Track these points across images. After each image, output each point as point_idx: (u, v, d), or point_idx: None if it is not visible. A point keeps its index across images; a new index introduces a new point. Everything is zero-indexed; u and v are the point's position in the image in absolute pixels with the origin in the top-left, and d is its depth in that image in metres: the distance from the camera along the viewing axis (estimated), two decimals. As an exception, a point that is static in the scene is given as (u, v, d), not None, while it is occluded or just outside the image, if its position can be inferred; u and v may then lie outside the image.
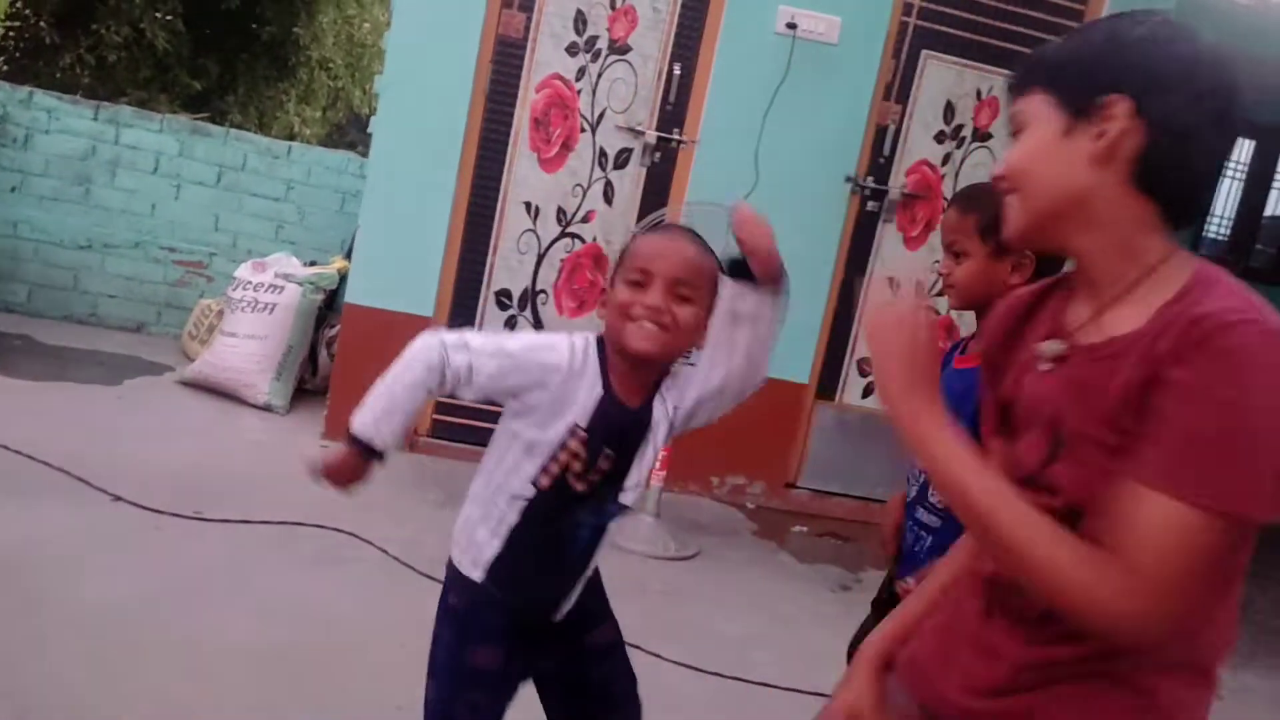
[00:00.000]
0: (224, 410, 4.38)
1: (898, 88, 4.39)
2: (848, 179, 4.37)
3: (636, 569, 3.43)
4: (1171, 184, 1.08)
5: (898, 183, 4.45)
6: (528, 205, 4.22)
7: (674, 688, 2.68)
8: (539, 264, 4.27)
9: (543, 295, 4.30)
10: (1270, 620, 4.37)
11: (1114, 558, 0.97)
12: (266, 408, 4.45)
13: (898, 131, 4.42)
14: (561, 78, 4.16)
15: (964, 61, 4.41)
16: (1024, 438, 1.15)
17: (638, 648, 2.81)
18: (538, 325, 4.30)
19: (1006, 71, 4.37)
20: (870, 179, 4.42)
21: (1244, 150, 6.50)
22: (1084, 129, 1.08)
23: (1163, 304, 1.05)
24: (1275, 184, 6.57)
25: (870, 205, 4.46)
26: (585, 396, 1.53)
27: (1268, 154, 6.51)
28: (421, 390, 1.53)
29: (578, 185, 4.23)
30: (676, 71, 4.19)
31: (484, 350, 1.52)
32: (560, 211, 4.25)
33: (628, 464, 1.58)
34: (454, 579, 1.62)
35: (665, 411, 1.61)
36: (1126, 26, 1.09)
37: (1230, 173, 6.52)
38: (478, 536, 1.58)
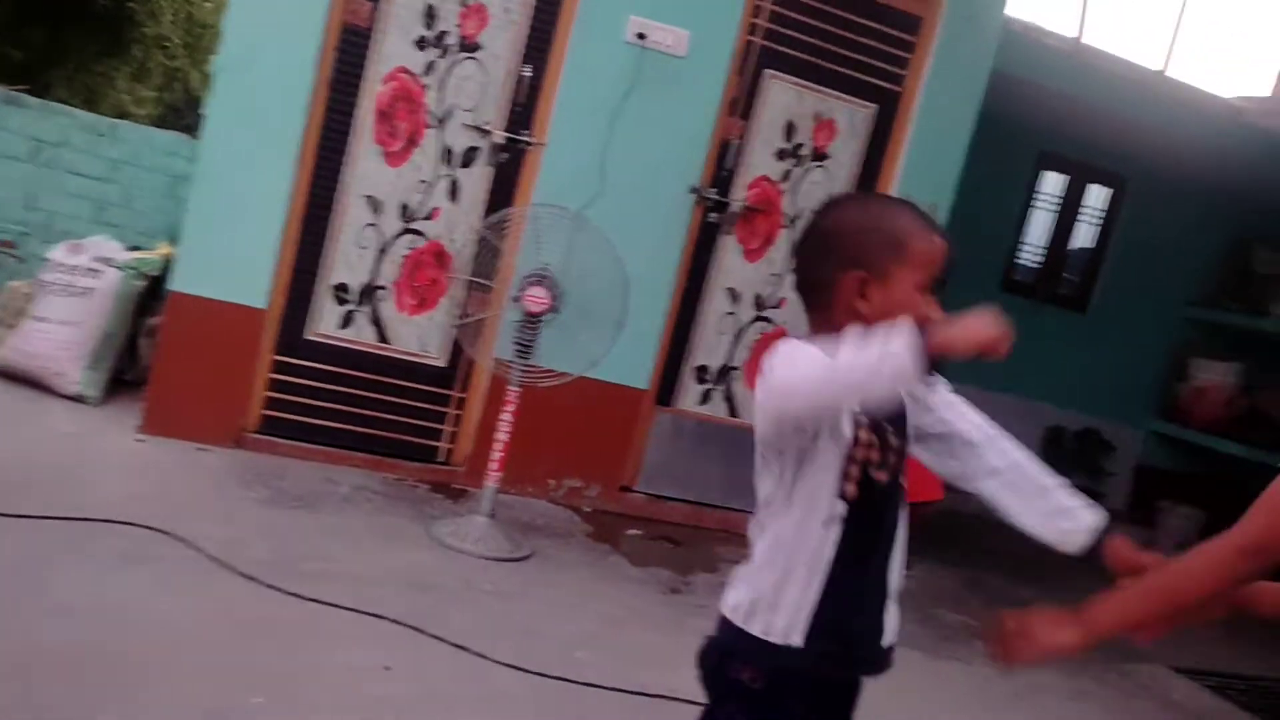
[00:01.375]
0: (31, 400, 4.11)
1: (742, 104, 4.52)
2: (691, 189, 4.47)
3: (466, 568, 3.40)
4: None
5: (739, 196, 4.58)
6: (370, 199, 4.13)
7: (501, 689, 2.68)
8: (380, 259, 4.19)
9: (382, 291, 4.22)
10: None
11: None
12: (78, 398, 4.19)
13: (740, 146, 4.55)
14: (409, 71, 4.09)
15: (804, 83, 4.58)
16: None
17: (463, 649, 2.81)
18: (376, 321, 4.22)
19: (844, 96, 4.57)
20: (713, 191, 4.53)
21: (1053, 183, 6.98)
22: None
23: None
24: (1080, 217, 7.08)
25: (712, 217, 4.57)
26: None
27: (1076, 188, 7.02)
28: None
29: (423, 182, 4.18)
30: (527, 73, 4.19)
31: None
32: (404, 207, 4.18)
33: (905, 440, 1.49)
34: (750, 651, 1.42)
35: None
36: None
37: (1042, 205, 6.99)
38: (788, 597, 1.41)
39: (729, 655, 1.46)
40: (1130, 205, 7.03)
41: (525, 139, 4.23)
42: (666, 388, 4.64)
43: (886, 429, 1.44)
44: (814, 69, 4.58)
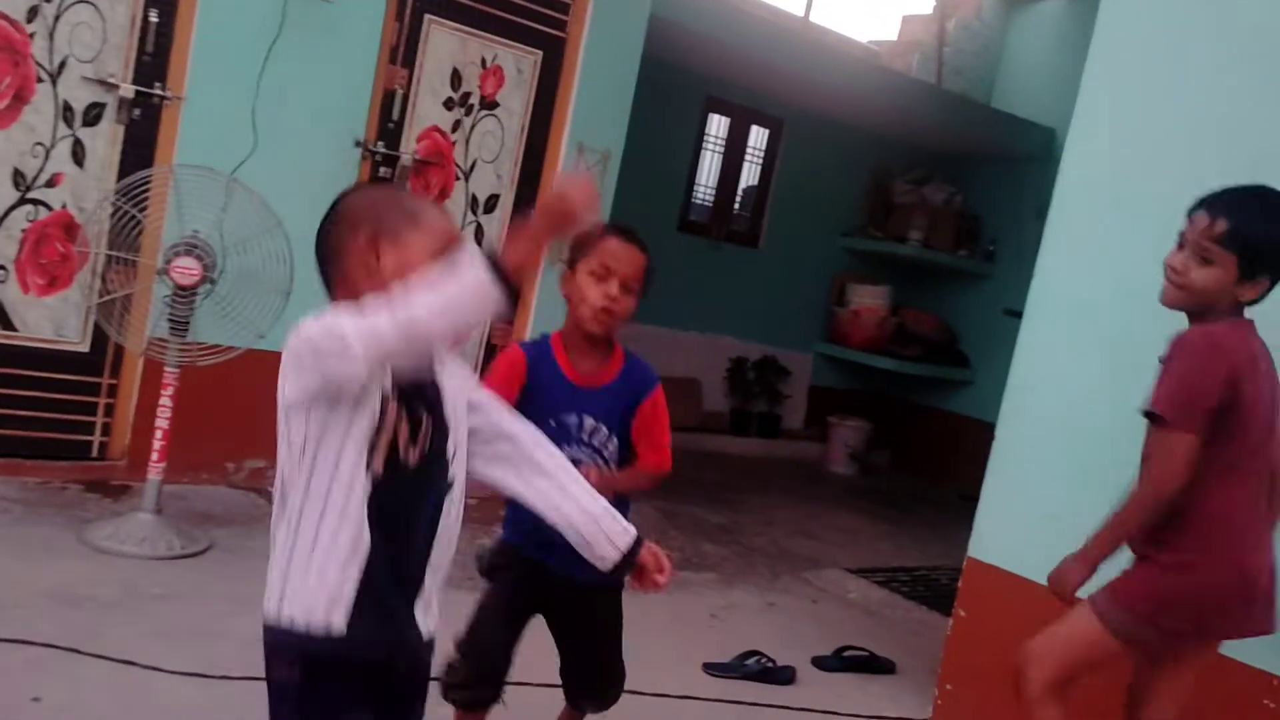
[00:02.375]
0: None
1: (403, 51, 4.32)
2: (357, 143, 4.23)
3: (128, 574, 3.07)
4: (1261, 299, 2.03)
5: (409, 149, 4.39)
6: (-28, 166, 3.56)
7: (180, 701, 2.44)
8: (-8, 235, 3.64)
9: (1, 272, 3.67)
10: (752, 539, 5.02)
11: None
12: None
13: (406, 96, 4.36)
14: (7, 18, 3.54)
15: (467, 29, 4.45)
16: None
17: (130, 663, 2.54)
18: (-4, 307, 3.68)
19: (508, 42, 4.45)
20: (381, 144, 4.32)
21: (719, 125, 7.32)
22: (1243, 284, 1.97)
23: None
24: (747, 158, 7.49)
25: (383, 171, 4.36)
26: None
27: (740, 130, 7.41)
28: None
29: (38, 144, 3.65)
30: (153, 18, 3.75)
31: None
32: (18, 174, 3.64)
33: (443, 426, 1.45)
34: (286, 644, 1.36)
35: (448, 378, 1.49)
36: None
37: (711, 147, 7.31)
38: (328, 577, 1.34)
39: (270, 654, 1.40)
40: (788, 145, 7.51)
41: (159, 93, 3.81)
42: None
43: (419, 408, 1.41)
44: (476, 14, 4.46)
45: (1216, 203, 1.99)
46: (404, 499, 1.40)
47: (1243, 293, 1.98)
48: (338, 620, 1.35)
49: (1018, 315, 3.05)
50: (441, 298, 1.26)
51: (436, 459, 1.44)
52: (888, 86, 6.77)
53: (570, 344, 2.11)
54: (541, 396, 2.05)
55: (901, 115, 6.98)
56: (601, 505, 1.58)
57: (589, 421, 2.09)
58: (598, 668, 2.29)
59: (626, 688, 2.90)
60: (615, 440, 2.12)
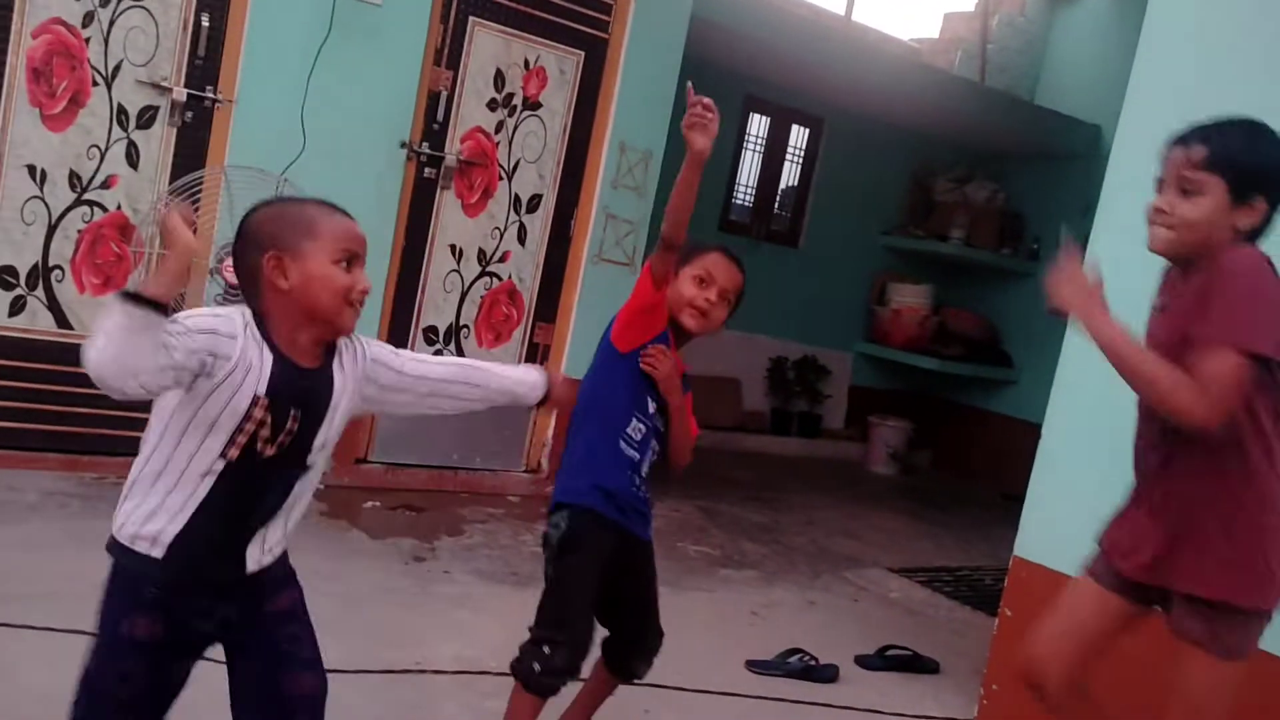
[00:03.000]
0: None
1: (448, 54, 4.37)
2: (402, 144, 4.29)
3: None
4: (1264, 229, 1.85)
5: (453, 149, 4.44)
6: (32, 169, 3.66)
7: (223, 689, 2.49)
8: (50, 236, 3.73)
9: (58, 272, 3.77)
10: (793, 539, 5.02)
11: (1193, 380, 1.75)
12: None
13: (450, 98, 4.40)
14: (64, 23, 3.63)
15: (510, 30, 4.49)
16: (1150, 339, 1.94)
17: (186, 654, 2.58)
18: (53, 306, 3.77)
19: (551, 43, 4.49)
20: (425, 145, 4.37)
21: (760, 125, 7.31)
22: (1238, 209, 1.81)
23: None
24: (787, 157, 7.47)
25: (428, 172, 4.41)
26: (259, 364, 1.56)
27: (780, 130, 7.39)
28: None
29: (93, 147, 3.74)
30: (205, 23, 3.83)
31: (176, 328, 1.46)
32: (74, 176, 3.73)
33: (315, 425, 1.63)
34: (119, 552, 1.61)
35: (346, 379, 1.69)
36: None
37: (751, 146, 7.30)
38: (157, 521, 1.57)
39: (109, 551, 1.64)
40: (828, 144, 7.49)
41: (210, 96, 3.88)
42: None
43: (288, 409, 1.59)
44: (519, 16, 4.50)
45: (1191, 134, 1.85)
46: (249, 481, 1.60)
47: (1239, 219, 1.81)
48: (155, 553, 1.58)
49: (1064, 314, 3.03)
50: (99, 339, 1.39)
51: (295, 451, 1.63)
52: (929, 84, 6.73)
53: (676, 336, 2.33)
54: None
55: (943, 113, 6.93)
56: (507, 375, 1.96)
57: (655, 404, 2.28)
58: (653, 624, 2.38)
59: (670, 683, 2.94)
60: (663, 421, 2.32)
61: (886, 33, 7.68)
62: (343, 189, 3.92)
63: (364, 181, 4.16)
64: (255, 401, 1.55)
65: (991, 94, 7.19)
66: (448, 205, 4.49)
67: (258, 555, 1.66)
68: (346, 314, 1.61)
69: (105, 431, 3.89)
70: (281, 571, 1.75)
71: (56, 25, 3.63)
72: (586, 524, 2.18)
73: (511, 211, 4.66)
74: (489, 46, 4.46)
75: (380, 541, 3.79)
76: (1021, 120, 7.22)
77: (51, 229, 3.73)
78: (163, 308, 1.37)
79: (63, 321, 3.79)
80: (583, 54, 4.69)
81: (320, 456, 1.67)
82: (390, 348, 1.82)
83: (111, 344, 1.37)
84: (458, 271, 4.56)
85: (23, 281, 3.72)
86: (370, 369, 1.75)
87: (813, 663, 3.28)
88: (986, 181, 7.79)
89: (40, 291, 3.75)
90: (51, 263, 3.75)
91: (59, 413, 3.80)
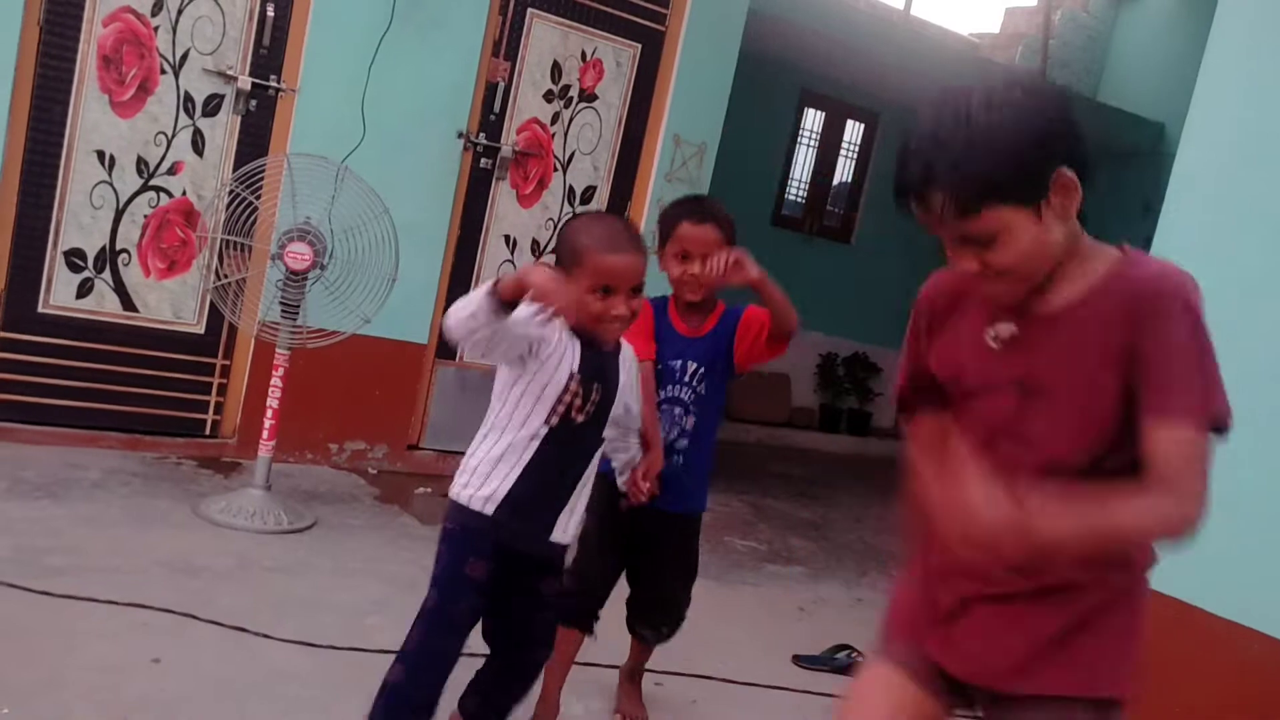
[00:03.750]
0: None
1: (506, 45, 4.40)
2: (460, 135, 4.32)
3: (240, 546, 3.20)
4: (1088, 197, 1.35)
5: (509, 140, 4.47)
6: (101, 154, 3.75)
7: (286, 668, 2.54)
8: (118, 220, 3.82)
9: (125, 255, 3.86)
10: (841, 536, 4.99)
11: (1163, 488, 1.26)
12: None
13: (508, 89, 4.43)
14: (134, 11, 3.72)
15: (568, 22, 4.51)
16: (984, 399, 1.42)
17: (242, 630, 2.65)
18: (119, 288, 3.86)
19: (608, 35, 4.50)
20: (482, 135, 4.41)
21: (814, 120, 7.27)
22: (1044, 206, 1.32)
23: (1099, 278, 1.36)
24: (841, 152, 7.42)
25: (484, 162, 4.45)
26: (572, 349, 1.95)
27: (835, 125, 7.34)
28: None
29: (160, 133, 3.83)
30: (270, 13, 3.89)
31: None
32: (141, 162, 3.82)
33: (611, 395, 2.01)
34: (456, 510, 1.98)
35: (625, 357, 2.08)
36: (1024, 114, 1.32)
37: (805, 141, 7.26)
38: (496, 473, 1.94)
39: (447, 512, 2.01)
40: (883, 139, 7.42)
41: (274, 85, 3.95)
42: (448, 340, 4.52)
43: (594, 385, 1.97)
44: (577, 8, 4.51)
45: (909, 182, 1.35)
46: (566, 445, 1.97)
47: (1061, 216, 1.34)
48: (489, 510, 1.94)
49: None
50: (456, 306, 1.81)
51: (596, 422, 2.00)
52: (988, 79, 6.62)
53: (678, 305, 2.45)
54: (659, 345, 2.41)
55: (1003, 109, 6.82)
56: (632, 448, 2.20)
57: (690, 365, 2.41)
58: (666, 597, 2.53)
59: (717, 675, 2.94)
60: (706, 379, 2.43)
61: (946, 27, 7.58)
62: (400, 178, 4.00)
63: (421, 171, 4.21)
64: (571, 376, 1.93)
65: (1052, 90, 7.06)
66: (503, 196, 4.53)
67: (565, 525, 2.00)
68: (600, 330, 1.95)
69: (167, 412, 3.98)
70: (560, 561, 2.09)
71: (127, 14, 3.71)
72: (600, 491, 2.23)
73: (566, 203, 4.68)
74: (547, 38, 4.48)
75: (431, 527, 3.84)
76: (1083, 117, 7.03)
77: (119, 213, 3.82)
78: (510, 305, 1.74)
79: (128, 304, 3.89)
80: (640, 46, 4.69)
81: (614, 430, 2.06)
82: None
83: (466, 318, 1.78)
84: (511, 261, 4.59)
85: (90, 264, 3.81)
86: (631, 371, 2.10)
87: (861, 659, 3.26)
88: (1045, 179, 7.66)
89: (107, 274, 3.84)
90: (119, 246, 3.84)
91: (123, 393, 3.89)
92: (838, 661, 3.25)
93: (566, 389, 1.93)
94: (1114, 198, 7.20)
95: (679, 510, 2.41)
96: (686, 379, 2.41)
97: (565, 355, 1.94)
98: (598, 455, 2.05)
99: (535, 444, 1.94)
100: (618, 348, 2.06)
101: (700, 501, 2.51)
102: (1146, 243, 2.92)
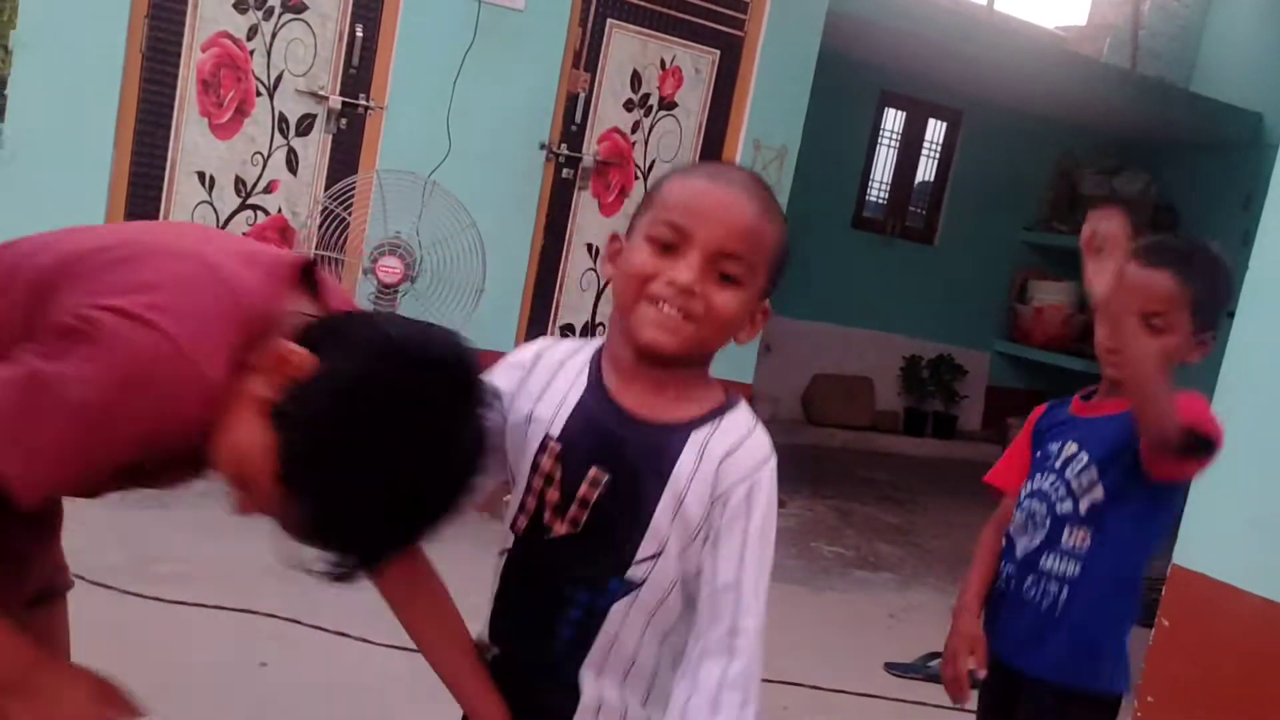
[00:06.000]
0: None
1: (586, 56, 4.45)
2: (541, 146, 4.38)
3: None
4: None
5: (591, 150, 4.52)
6: (201, 175, 3.90)
7: (388, 672, 2.61)
8: (218, 238, 3.97)
9: (224, 272, 4.00)
10: (929, 541, 4.92)
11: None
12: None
13: (588, 99, 4.48)
14: (231, 36, 3.86)
15: (647, 31, 4.54)
16: None
17: (344, 635, 2.72)
18: (220, 304, 4.00)
19: (687, 42, 4.51)
20: (564, 146, 4.46)
21: (895, 120, 7.18)
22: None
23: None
24: (924, 152, 7.31)
25: (565, 173, 4.50)
26: (562, 397, 1.12)
27: (916, 124, 7.24)
28: None
29: (257, 153, 3.96)
30: (359, 34, 4.01)
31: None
32: (239, 181, 3.96)
33: (635, 501, 1.08)
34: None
35: (698, 453, 1.09)
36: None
37: (886, 142, 7.17)
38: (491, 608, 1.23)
39: None
40: (966, 137, 7.29)
41: (364, 103, 4.06)
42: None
43: (587, 466, 1.10)
44: (656, 16, 4.54)
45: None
46: (536, 576, 1.15)
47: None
48: (485, 638, 1.27)
49: (1230, 314, 2.88)
50: None
51: (601, 540, 1.10)
52: (1076, 72, 6.47)
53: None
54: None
55: (1090, 102, 6.66)
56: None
57: (1070, 447, 1.82)
58: None
59: (808, 682, 2.93)
60: (1101, 481, 1.75)
61: (1030, 21, 7.43)
62: (485, 191, 4.07)
63: (505, 183, 4.28)
64: (544, 446, 1.15)
65: (1143, 81, 6.87)
66: (584, 205, 4.57)
67: (594, 695, 1.16)
68: (638, 312, 1.07)
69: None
70: None
71: (224, 39, 3.85)
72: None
73: (646, 210, 4.71)
74: (626, 47, 4.52)
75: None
76: (1176, 108, 6.87)
77: (219, 231, 3.96)
78: None
79: (228, 319, 4.03)
80: (718, 53, 4.70)
81: (652, 569, 1.12)
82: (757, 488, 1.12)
83: None
84: (594, 270, 4.64)
85: (193, 281, 3.96)
86: (740, 472, 1.11)
87: (954, 668, 3.21)
88: (1138, 173, 7.45)
89: (208, 290, 3.99)
90: (218, 263, 3.98)
91: (224, 404, 4.03)
92: (931, 670, 3.20)
93: (535, 468, 1.12)
94: (1212, 191, 6.97)
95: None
96: (1058, 466, 1.88)
97: (549, 403, 1.13)
98: (629, 610, 1.12)
99: (501, 561, 1.19)
100: (669, 426, 1.10)
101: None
102: (1247, 236, 2.83)
